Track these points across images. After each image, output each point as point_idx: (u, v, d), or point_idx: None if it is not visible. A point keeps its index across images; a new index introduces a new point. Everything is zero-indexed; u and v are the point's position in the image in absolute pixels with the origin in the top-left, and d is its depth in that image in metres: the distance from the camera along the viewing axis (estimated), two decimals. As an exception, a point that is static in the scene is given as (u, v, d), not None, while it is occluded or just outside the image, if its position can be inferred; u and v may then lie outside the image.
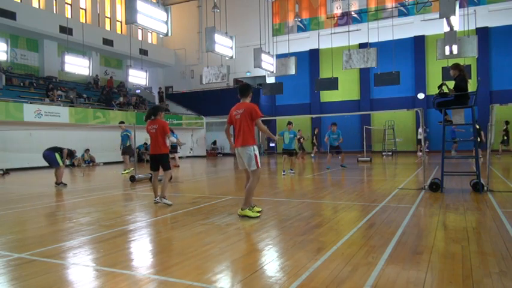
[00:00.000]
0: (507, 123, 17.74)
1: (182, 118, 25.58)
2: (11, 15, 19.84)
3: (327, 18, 26.95)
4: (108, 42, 25.69)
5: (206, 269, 3.32)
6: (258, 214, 5.51)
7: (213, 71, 17.78)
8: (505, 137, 17.51)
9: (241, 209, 5.50)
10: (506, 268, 3.17)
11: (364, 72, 25.57)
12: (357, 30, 24.18)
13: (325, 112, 26.46)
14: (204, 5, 28.20)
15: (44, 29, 21.73)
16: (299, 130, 20.66)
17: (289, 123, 12.40)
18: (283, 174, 11.81)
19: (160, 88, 30.31)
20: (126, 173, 13.41)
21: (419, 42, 24.85)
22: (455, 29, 13.68)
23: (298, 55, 22.01)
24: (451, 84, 7.48)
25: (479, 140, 17.80)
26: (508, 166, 13.50)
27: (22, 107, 16.92)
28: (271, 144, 29.49)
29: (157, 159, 6.90)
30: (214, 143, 29.73)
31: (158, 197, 6.85)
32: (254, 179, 5.50)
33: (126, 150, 13.88)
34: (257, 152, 5.45)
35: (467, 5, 21.04)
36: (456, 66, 7.44)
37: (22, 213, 6.42)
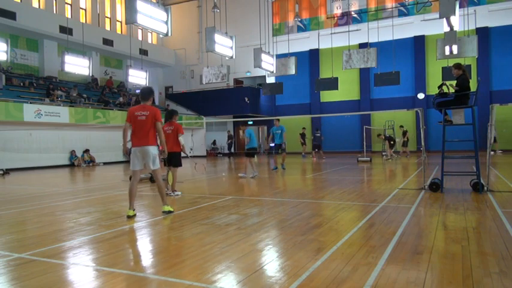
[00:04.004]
0: (402, 126, 20.83)
1: (182, 118, 25.56)
2: (11, 15, 19.83)
3: (327, 18, 26.94)
4: (108, 42, 25.69)
5: (206, 269, 3.32)
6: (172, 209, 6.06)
7: (213, 71, 17.78)
8: (406, 139, 20.10)
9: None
10: (506, 268, 3.17)
11: (364, 72, 25.57)
12: (357, 30, 24.18)
13: (325, 112, 26.46)
14: (204, 5, 28.19)
15: (44, 29, 21.72)
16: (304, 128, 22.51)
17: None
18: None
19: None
20: None
21: (419, 42, 24.84)
22: (455, 29, 13.67)
23: (298, 55, 22.01)
24: (451, 84, 7.48)
25: (407, 139, 19.87)
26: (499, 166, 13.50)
27: (22, 107, 16.91)
28: (271, 145, 29.49)
29: (171, 156, 7.73)
30: (214, 142, 29.72)
31: (169, 191, 7.81)
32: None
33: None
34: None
35: (467, 5, 21.03)
36: (459, 65, 7.45)
37: (22, 213, 6.42)
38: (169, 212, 5.93)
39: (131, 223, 5.35)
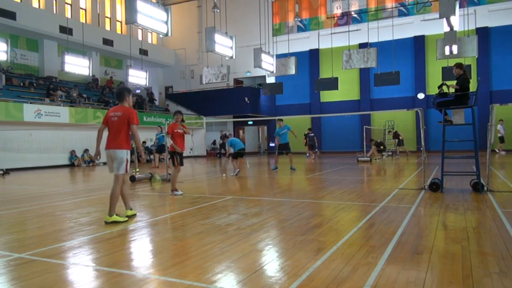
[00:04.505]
0: (390, 131, 21.47)
1: (182, 118, 25.55)
2: (11, 15, 19.83)
3: (327, 18, 26.94)
4: (108, 42, 25.69)
5: (206, 269, 3.32)
6: (126, 218, 5.46)
7: (213, 71, 17.77)
8: (400, 139, 20.63)
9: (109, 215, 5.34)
10: (506, 268, 3.17)
11: (364, 72, 25.56)
12: (357, 30, 24.17)
13: (325, 112, 26.46)
14: (204, 5, 28.19)
15: (44, 29, 21.72)
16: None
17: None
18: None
19: (148, 90, 29.97)
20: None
21: (419, 42, 24.84)
22: (455, 29, 13.67)
23: (298, 55, 22.01)
24: (451, 84, 7.48)
25: (400, 139, 20.30)
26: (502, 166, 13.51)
27: (22, 107, 16.91)
28: (271, 144, 29.50)
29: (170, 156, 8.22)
30: (214, 143, 29.73)
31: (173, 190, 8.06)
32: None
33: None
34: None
35: (467, 5, 21.03)
36: (460, 65, 7.46)
37: (22, 213, 6.43)
38: (119, 222, 5.28)
39: (131, 223, 5.35)
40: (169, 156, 8.38)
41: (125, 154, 5.38)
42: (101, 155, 5.54)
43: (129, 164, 5.47)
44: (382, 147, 19.13)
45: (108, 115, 5.50)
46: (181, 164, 8.10)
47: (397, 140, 20.61)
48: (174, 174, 8.06)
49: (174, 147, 7.98)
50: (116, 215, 5.35)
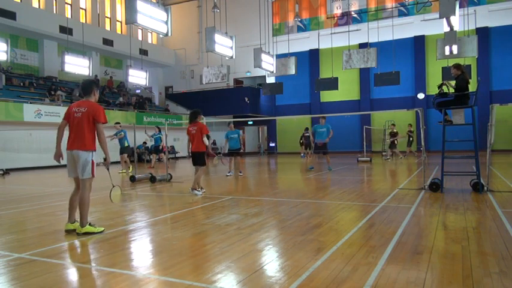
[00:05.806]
0: (411, 125, 20.03)
1: (182, 118, 25.54)
2: (11, 15, 19.84)
3: (327, 18, 26.94)
4: (108, 42, 25.70)
5: (206, 269, 3.32)
6: (102, 229, 4.78)
7: (213, 71, 17.77)
8: (411, 139, 19.53)
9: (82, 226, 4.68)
10: (506, 268, 3.17)
11: (364, 72, 25.57)
12: (357, 30, 24.18)
13: (325, 112, 26.45)
14: (204, 5, 28.20)
15: (44, 29, 21.73)
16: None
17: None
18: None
19: (146, 89, 29.82)
20: (123, 172, 13.86)
21: (419, 42, 24.85)
22: (455, 29, 13.67)
23: (298, 55, 22.00)
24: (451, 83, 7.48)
25: (411, 140, 19.34)
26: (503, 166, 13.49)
27: (22, 107, 16.92)
28: (271, 144, 29.51)
29: (196, 156, 8.01)
30: (214, 143, 29.71)
31: (194, 189, 7.93)
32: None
33: (124, 150, 14.17)
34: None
35: (467, 5, 21.03)
36: (458, 66, 7.46)
37: (22, 213, 6.43)
38: (93, 233, 4.64)
39: (131, 223, 5.34)
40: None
41: (89, 155, 4.74)
42: (62, 156, 4.99)
43: (95, 166, 4.78)
44: (396, 141, 18.63)
45: (71, 110, 4.80)
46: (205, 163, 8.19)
47: (407, 139, 20.00)
48: (199, 174, 8.05)
49: (205, 148, 8.08)
50: (90, 224, 4.73)
